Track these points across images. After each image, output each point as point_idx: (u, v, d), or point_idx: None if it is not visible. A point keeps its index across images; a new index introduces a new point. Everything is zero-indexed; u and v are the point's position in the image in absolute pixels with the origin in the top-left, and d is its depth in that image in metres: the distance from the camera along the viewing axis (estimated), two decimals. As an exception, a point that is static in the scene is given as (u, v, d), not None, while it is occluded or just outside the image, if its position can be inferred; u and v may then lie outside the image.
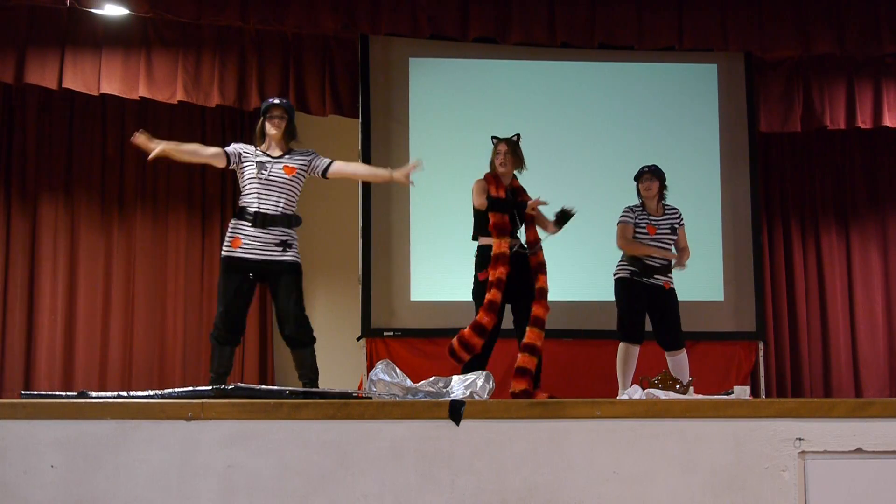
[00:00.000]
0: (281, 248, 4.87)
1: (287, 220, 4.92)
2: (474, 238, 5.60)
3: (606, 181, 6.90)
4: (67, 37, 6.61)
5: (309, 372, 4.96)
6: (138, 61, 6.70)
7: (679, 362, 5.78)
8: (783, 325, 7.71)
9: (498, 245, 5.37)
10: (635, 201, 5.87)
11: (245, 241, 4.85)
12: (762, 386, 7.09)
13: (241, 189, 4.99)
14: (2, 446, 2.96)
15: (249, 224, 4.86)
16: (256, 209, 4.87)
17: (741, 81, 7.31)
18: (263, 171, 4.90)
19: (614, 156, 7.04)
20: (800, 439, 3.24)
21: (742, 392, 4.41)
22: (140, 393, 3.38)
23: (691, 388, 4.69)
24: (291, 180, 4.94)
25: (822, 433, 3.26)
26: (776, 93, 7.45)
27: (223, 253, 4.95)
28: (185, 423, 3.03)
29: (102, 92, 6.67)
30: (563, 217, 5.52)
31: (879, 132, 7.68)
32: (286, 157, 4.99)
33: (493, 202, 5.41)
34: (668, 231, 5.80)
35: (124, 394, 3.39)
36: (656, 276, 5.74)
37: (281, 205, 4.90)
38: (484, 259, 5.46)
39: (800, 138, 7.86)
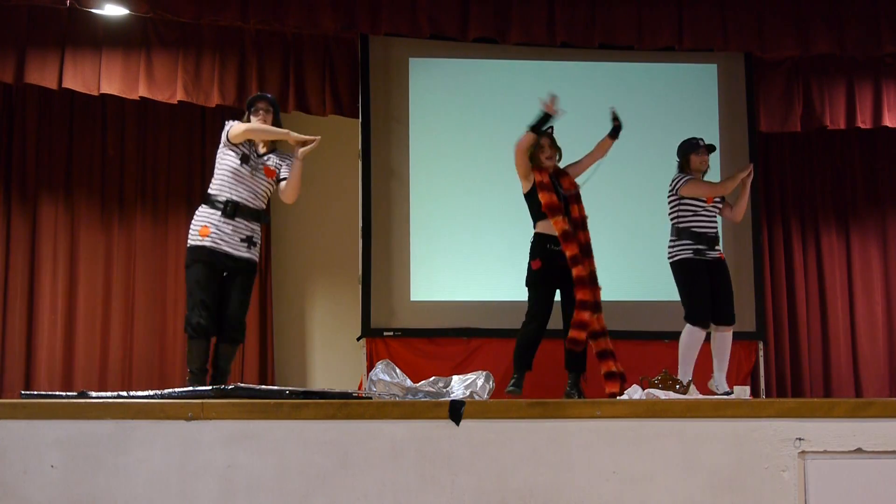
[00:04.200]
0: (246, 245, 4.87)
1: (256, 215, 4.91)
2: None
3: (606, 181, 6.89)
4: (67, 37, 6.61)
5: (225, 366, 4.94)
6: (138, 61, 6.70)
7: (725, 340, 5.65)
8: (783, 325, 7.70)
9: (556, 224, 5.39)
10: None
11: (213, 231, 4.81)
12: (762, 386, 7.08)
13: (215, 174, 4.94)
14: (2, 446, 2.96)
15: (219, 213, 4.82)
16: (227, 198, 4.83)
17: (741, 81, 7.31)
18: (246, 167, 4.87)
19: (614, 156, 7.01)
20: (800, 439, 3.24)
21: (742, 392, 4.42)
22: (140, 393, 3.38)
23: (691, 388, 4.70)
24: (268, 183, 4.95)
25: (822, 433, 3.25)
26: (776, 93, 7.45)
27: (190, 242, 4.88)
28: (185, 423, 3.03)
29: (102, 92, 6.67)
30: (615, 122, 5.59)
31: (879, 132, 7.68)
32: (269, 156, 4.98)
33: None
34: (720, 200, 5.71)
35: (124, 394, 3.39)
36: (715, 248, 5.63)
37: (251, 198, 4.89)
38: (539, 246, 5.46)
39: (800, 138, 7.86)
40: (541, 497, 3.12)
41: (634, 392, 4.19)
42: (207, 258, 4.82)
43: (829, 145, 7.96)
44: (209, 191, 4.93)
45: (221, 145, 4.96)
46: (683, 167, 5.73)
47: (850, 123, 7.47)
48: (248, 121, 4.99)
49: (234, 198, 4.84)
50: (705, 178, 5.75)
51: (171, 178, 7.31)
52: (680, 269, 5.63)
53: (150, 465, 3.00)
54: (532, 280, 5.47)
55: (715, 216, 5.68)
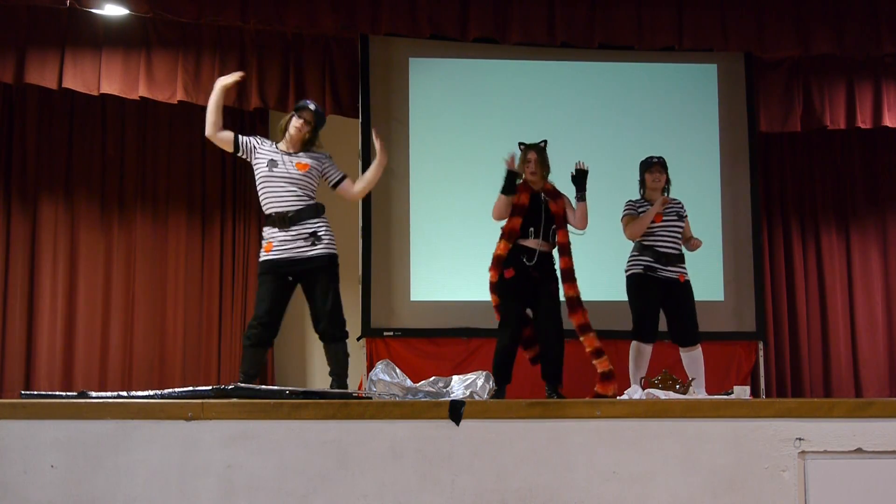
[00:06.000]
0: (311, 243, 4.81)
1: (310, 211, 4.87)
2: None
3: (606, 181, 6.88)
4: (67, 37, 6.61)
5: (337, 368, 4.91)
6: (138, 61, 6.70)
7: (695, 359, 5.62)
8: (783, 325, 7.70)
9: (498, 247, 5.42)
10: (636, 197, 5.83)
11: (276, 245, 4.83)
12: (762, 386, 7.08)
13: (257, 188, 4.94)
14: (2, 446, 2.96)
15: (276, 229, 4.83)
16: (274, 211, 4.84)
17: (741, 81, 7.31)
18: (274, 168, 4.85)
19: (614, 156, 7.04)
20: (800, 439, 3.24)
21: (742, 392, 4.41)
22: (140, 393, 3.39)
23: (691, 388, 4.70)
24: (304, 176, 4.87)
25: (822, 433, 3.26)
26: (776, 93, 7.45)
27: (259, 259, 4.93)
28: (185, 423, 3.03)
29: (102, 92, 6.67)
30: (580, 177, 5.51)
31: (879, 132, 7.68)
32: (300, 154, 4.94)
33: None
34: (675, 218, 5.67)
35: (124, 394, 3.39)
36: (670, 268, 5.58)
37: (295, 200, 4.84)
38: (514, 257, 5.44)
39: (800, 138, 7.86)
40: (541, 497, 3.12)
41: (634, 392, 4.19)
42: (270, 269, 4.84)
43: (829, 145, 7.96)
44: (262, 208, 4.94)
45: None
46: (642, 185, 5.78)
47: (850, 123, 7.47)
48: (289, 121, 4.98)
49: (279, 207, 4.82)
50: (666, 195, 5.71)
51: (171, 178, 7.31)
52: (629, 284, 5.67)
53: (150, 465, 3.00)
54: (503, 289, 5.43)
55: (674, 234, 5.64)
